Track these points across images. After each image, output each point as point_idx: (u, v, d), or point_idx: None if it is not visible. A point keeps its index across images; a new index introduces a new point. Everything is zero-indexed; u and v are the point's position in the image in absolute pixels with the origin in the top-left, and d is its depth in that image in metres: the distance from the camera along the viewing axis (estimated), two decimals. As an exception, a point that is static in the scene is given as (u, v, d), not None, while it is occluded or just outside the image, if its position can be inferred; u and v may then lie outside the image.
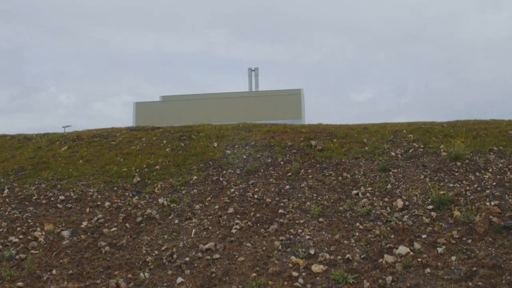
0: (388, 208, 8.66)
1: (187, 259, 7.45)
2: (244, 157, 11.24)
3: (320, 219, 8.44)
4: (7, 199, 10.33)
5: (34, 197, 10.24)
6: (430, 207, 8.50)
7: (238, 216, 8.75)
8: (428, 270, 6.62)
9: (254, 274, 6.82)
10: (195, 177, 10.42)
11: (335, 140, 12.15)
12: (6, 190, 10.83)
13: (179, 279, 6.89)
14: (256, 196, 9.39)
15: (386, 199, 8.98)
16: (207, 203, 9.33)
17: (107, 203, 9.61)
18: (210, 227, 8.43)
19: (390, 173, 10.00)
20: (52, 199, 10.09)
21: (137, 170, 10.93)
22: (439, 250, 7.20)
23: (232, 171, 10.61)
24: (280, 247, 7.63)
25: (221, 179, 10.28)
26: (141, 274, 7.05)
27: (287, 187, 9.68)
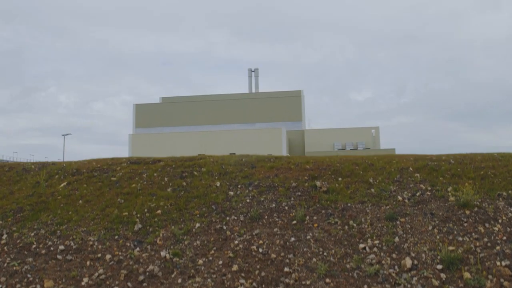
0: (396, 267, 8.44)
1: (191, 330, 7.24)
2: (248, 200, 11.01)
3: (327, 280, 8.22)
4: (5, 248, 10.11)
5: (33, 246, 10.02)
6: (440, 267, 8.29)
7: (243, 274, 8.53)
8: None
9: None
10: (197, 225, 10.20)
11: (340, 179, 11.91)
12: (5, 236, 10.61)
13: None
14: (260, 250, 9.16)
15: (394, 255, 8.77)
16: (210, 258, 9.10)
17: (108, 256, 9.39)
18: (214, 288, 8.22)
19: (398, 222, 9.77)
20: (51, 248, 9.87)
21: (138, 215, 10.70)
22: (451, 322, 6.99)
23: (235, 217, 10.38)
24: (286, 316, 7.41)
25: (224, 227, 10.06)
26: None
27: (293, 239, 9.45)
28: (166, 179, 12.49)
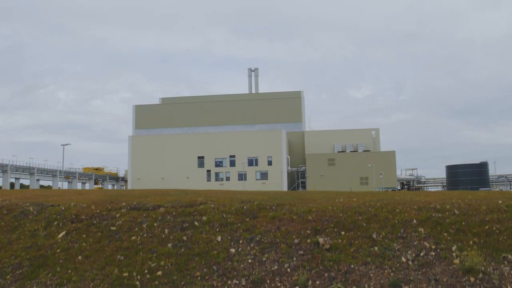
0: None
1: None
2: (250, 260, 10.85)
3: None
4: (4, 314, 9.97)
5: (32, 312, 9.87)
6: None
7: None
8: None
9: None
10: (199, 290, 10.04)
11: (343, 232, 11.74)
12: (3, 298, 10.47)
13: None
14: (263, 324, 9.02)
15: (398, 332, 8.62)
16: (212, 332, 8.96)
17: (108, 328, 9.24)
18: None
19: (402, 290, 9.62)
20: (50, 316, 9.73)
21: (139, 277, 10.54)
22: None
23: (237, 281, 10.23)
24: None
25: (226, 293, 9.90)
26: None
27: (295, 310, 9.31)
28: (166, 231, 12.31)
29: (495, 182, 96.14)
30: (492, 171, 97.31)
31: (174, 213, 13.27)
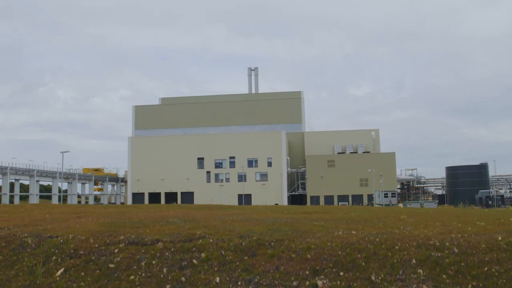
0: None
1: None
2: (248, 306, 10.83)
3: None
4: None
5: None
6: None
7: None
8: None
9: None
10: (197, 338, 10.03)
11: (341, 273, 11.72)
12: None
13: None
14: None
15: None
16: None
17: None
18: None
19: None
20: None
21: (137, 324, 10.53)
22: None
23: (235, 329, 10.21)
24: None
25: None
26: None
27: None
28: (165, 270, 12.29)
29: (495, 183, 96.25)
30: (492, 171, 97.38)
31: (172, 249, 13.24)
